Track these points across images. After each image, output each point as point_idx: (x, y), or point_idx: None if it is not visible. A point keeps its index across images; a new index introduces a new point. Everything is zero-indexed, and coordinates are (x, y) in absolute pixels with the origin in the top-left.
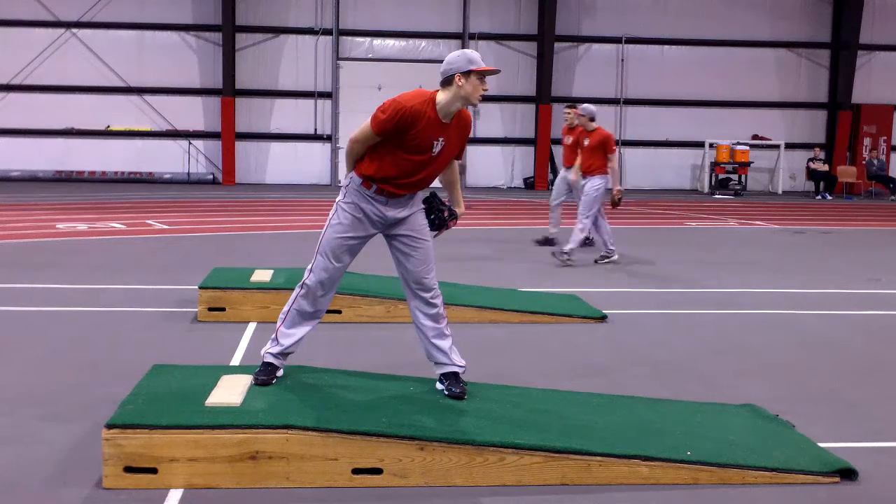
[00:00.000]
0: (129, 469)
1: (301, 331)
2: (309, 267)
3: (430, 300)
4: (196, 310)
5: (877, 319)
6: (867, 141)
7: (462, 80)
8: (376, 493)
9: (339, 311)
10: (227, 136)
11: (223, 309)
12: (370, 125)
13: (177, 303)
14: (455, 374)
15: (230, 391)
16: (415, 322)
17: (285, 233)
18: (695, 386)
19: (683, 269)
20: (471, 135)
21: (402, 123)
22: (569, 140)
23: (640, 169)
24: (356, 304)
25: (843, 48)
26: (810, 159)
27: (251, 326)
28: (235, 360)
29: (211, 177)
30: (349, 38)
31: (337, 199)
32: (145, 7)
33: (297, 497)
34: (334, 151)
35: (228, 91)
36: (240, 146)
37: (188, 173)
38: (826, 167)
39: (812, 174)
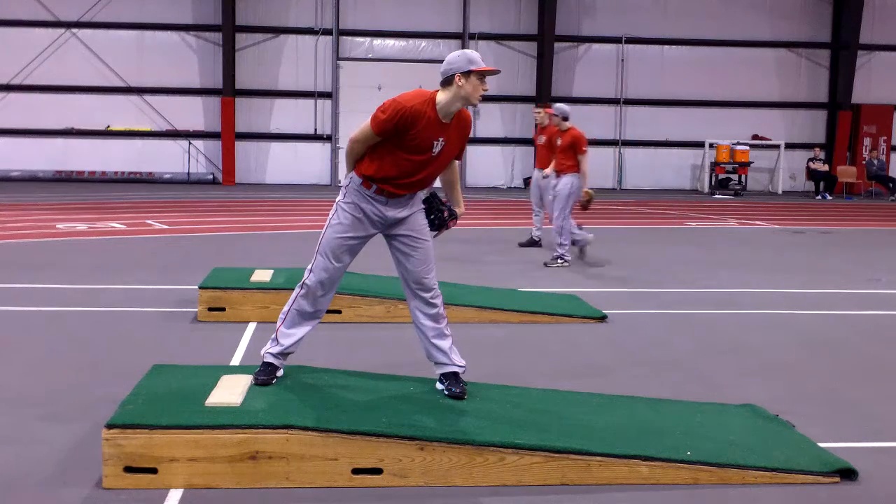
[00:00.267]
0: (129, 469)
1: (301, 331)
2: (309, 267)
3: (430, 300)
4: (196, 310)
5: (877, 319)
6: (867, 141)
7: (462, 80)
8: (376, 493)
9: (339, 311)
10: (227, 136)
11: (223, 309)
12: (370, 125)
13: (177, 303)
14: (455, 374)
15: (230, 391)
16: (415, 322)
17: (285, 233)
18: (695, 386)
19: (683, 269)
20: (471, 135)
21: (402, 123)
22: (542, 140)
23: (640, 169)
24: (356, 304)
25: (843, 48)
26: (810, 159)
27: (251, 326)
28: (235, 360)
29: (211, 177)
30: (349, 38)
31: (337, 199)
32: (145, 7)
33: (297, 497)
34: (334, 151)
35: (228, 91)
36: (240, 146)
37: (188, 173)
38: (826, 167)
39: (812, 174)
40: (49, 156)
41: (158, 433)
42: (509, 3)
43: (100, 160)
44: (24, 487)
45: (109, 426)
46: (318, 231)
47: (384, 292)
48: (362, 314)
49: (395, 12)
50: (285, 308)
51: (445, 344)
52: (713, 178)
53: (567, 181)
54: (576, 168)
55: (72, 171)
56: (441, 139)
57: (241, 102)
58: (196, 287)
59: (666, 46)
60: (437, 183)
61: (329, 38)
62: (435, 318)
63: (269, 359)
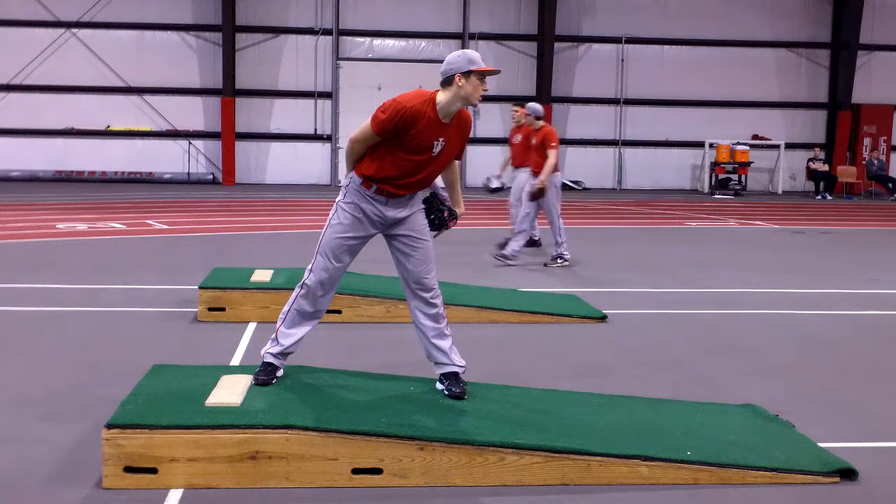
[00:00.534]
0: (129, 469)
1: (301, 331)
2: (309, 267)
3: (430, 300)
4: (196, 310)
5: (877, 319)
6: (867, 141)
7: (462, 81)
8: (376, 493)
9: (339, 311)
10: (227, 136)
11: (223, 309)
12: (370, 125)
13: (177, 303)
14: (455, 374)
15: (230, 391)
16: (415, 322)
17: (285, 233)
18: (695, 386)
19: (683, 269)
20: (471, 135)
21: (402, 123)
22: (518, 139)
23: (639, 169)
24: (356, 304)
25: (843, 48)
26: (810, 159)
27: (251, 326)
28: (235, 360)
29: (211, 177)
30: (349, 38)
31: (337, 199)
32: (145, 7)
33: (297, 497)
34: (334, 151)
35: (228, 91)
36: (240, 146)
37: (188, 173)
38: (826, 167)
39: (812, 174)
40: (49, 156)
41: (158, 433)
42: (509, 3)
43: (100, 160)
44: (24, 487)
45: (109, 426)
46: (318, 231)
47: (384, 292)
48: (362, 314)
49: (395, 12)
50: (285, 308)
51: (445, 344)
52: (713, 178)
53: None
54: (553, 168)
55: (72, 171)
56: (441, 139)
57: (241, 102)
58: (196, 287)
59: (666, 46)
60: (442, 182)
61: (329, 38)
62: (435, 318)
63: (269, 359)
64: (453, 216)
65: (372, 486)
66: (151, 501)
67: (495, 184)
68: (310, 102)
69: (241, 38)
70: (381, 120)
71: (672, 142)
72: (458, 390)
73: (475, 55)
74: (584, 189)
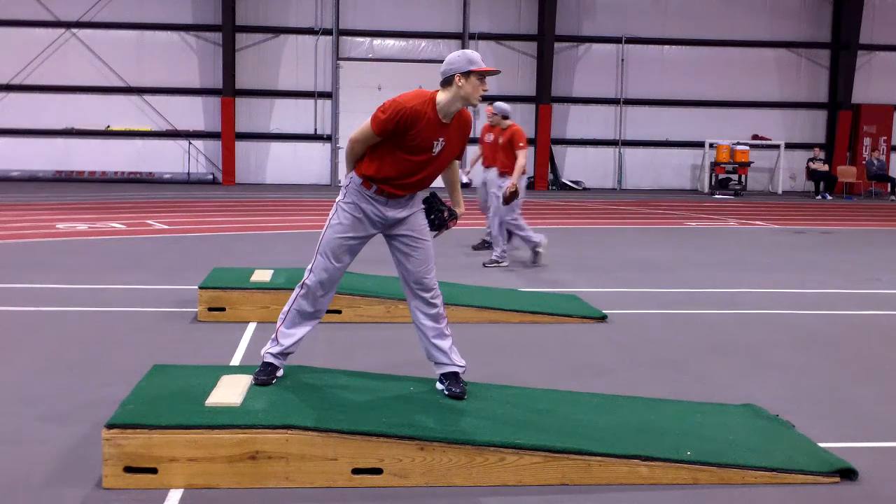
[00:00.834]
0: (129, 469)
1: (301, 331)
2: (309, 267)
3: (431, 300)
4: (196, 310)
5: (877, 319)
6: (867, 141)
7: (462, 81)
8: (376, 493)
9: (339, 311)
10: (227, 136)
11: (223, 309)
12: (370, 125)
13: (177, 303)
14: (455, 374)
15: (230, 391)
16: (415, 322)
17: (285, 233)
18: (695, 386)
19: (683, 269)
20: (471, 135)
21: (402, 123)
22: (490, 138)
23: (640, 169)
24: (356, 304)
25: (843, 48)
26: (810, 159)
27: (251, 326)
28: (235, 360)
29: (211, 177)
30: (349, 38)
31: (337, 199)
32: (145, 7)
33: (297, 497)
34: (334, 151)
35: (228, 91)
36: (240, 146)
37: (188, 173)
38: (826, 167)
39: (812, 174)
40: (49, 156)
41: (158, 433)
42: (509, 3)
43: (100, 160)
44: (24, 487)
45: (109, 426)
46: (318, 231)
47: (384, 292)
48: (362, 314)
49: (394, 12)
50: (285, 308)
51: (445, 344)
52: (713, 178)
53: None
54: (523, 169)
55: (72, 171)
56: (441, 139)
57: (241, 102)
58: (196, 287)
59: (666, 46)
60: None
61: (329, 38)
62: (435, 318)
63: (269, 359)
64: (453, 216)
65: (372, 486)
66: (151, 501)
67: (464, 179)
68: (310, 102)
69: (241, 38)
70: (381, 120)
71: (672, 142)
72: (458, 390)
73: (475, 55)
74: (584, 189)
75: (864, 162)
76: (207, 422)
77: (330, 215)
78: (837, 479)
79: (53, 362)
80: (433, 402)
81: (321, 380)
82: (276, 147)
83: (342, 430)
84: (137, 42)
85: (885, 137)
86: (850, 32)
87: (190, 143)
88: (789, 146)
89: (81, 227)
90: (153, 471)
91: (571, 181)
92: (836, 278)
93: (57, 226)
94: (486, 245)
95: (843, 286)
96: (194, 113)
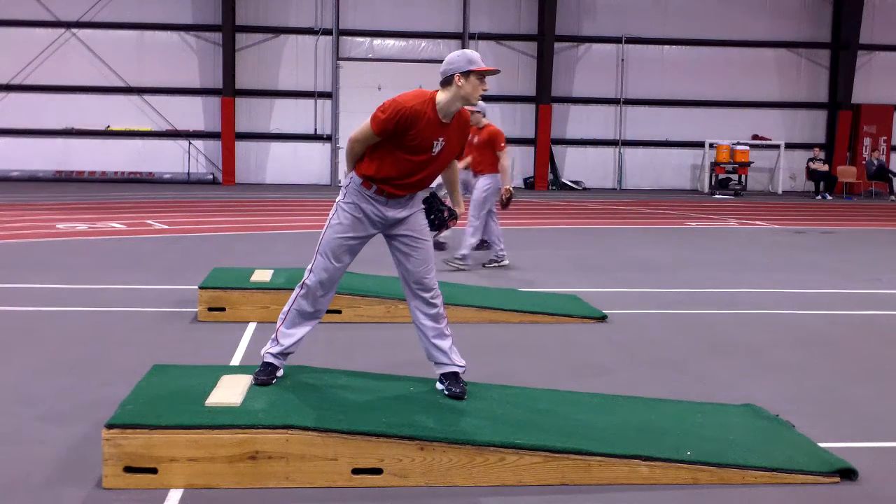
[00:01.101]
0: (129, 469)
1: (301, 331)
2: (309, 267)
3: (431, 300)
4: (196, 310)
5: (877, 319)
6: (867, 141)
7: (462, 81)
8: (376, 493)
9: (339, 311)
10: (227, 136)
11: (223, 309)
12: (370, 125)
13: (177, 303)
14: (455, 374)
15: (230, 391)
16: (415, 322)
17: (285, 233)
18: (695, 386)
19: (684, 269)
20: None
21: (401, 123)
22: (476, 140)
23: (640, 169)
24: (356, 304)
25: (843, 48)
26: (810, 159)
27: (251, 326)
28: (235, 360)
29: (211, 177)
30: (349, 38)
31: (337, 199)
32: (145, 7)
33: (297, 497)
34: (334, 151)
35: (228, 91)
36: (240, 146)
37: (188, 173)
38: (826, 167)
39: (812, 174)
40: (49, 156)
41: (158, 433)
42: (509, 3)
43: (100, 160)
44: (24, 487)
45: (109, 426)
46: (318, 231)
47: (384, 292)
48: (362, 314)
49: (394, 12)
50: (285, 308)
51: (445, 344)
52: (713, 178)
53: (483, 183)
54: (494, 167)
55: (72, 171)
56: (441, 139)
57: (241, 102)
58: (196, 287)
59: (666, 46)
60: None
61: (329, 38)
62: (435, 318)
63: (269, 359)
64: (453, 216)
65: (372, 486)
66: (151, 501)
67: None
68: (310, 102)
69: (241, 38)
70: (381, 120)
71: (672, 142)
72: (458, 390)
73: (475, 55)
74: (584, 189)
75: (863, 162)
76: (207, 422)
77: (330, 215)
78: (837, 479)
79: (53, 362)
80: (433, 402)
81: (321, 380)
82: (276, 147)
83: (342, 430)
84: (137, 42)
85: (885, 137)
86: (850, 32)
87: (190, 143)
88: (789, 146)
89: (81, 227)
90: (153, 471)
91: (571, 181)
92: (836, 278)
93: (57, 226)
94: (485, 245)
95: (843, 286)
96: (194, 113)
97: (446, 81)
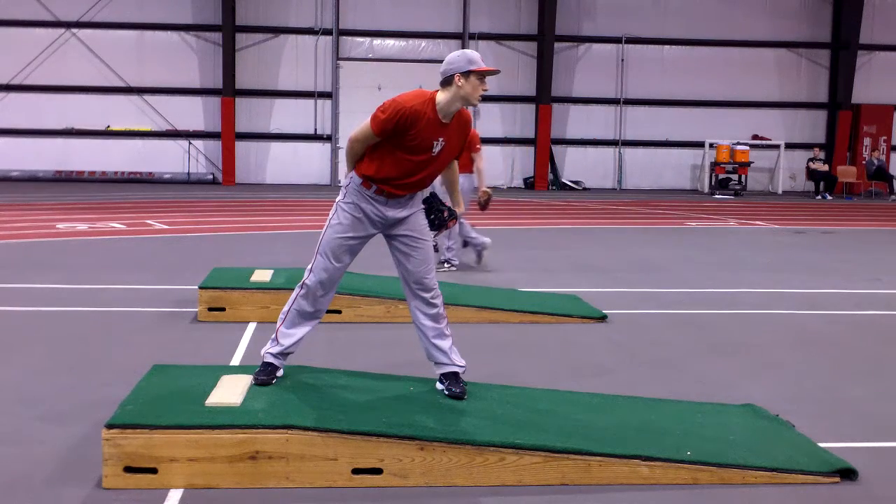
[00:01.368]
0: (129, 469)
1: (301, 331)
2: (309, 267)
3: (431, 300)
4: (196, 310)
5: (877, 319)
6: (867, 141)
7: (462, 81)
8: (376, 493)
9: (339, 311)
10: (227, 136)
11: (223, 309)
12: (370, 125)
13: (177, 303)
14: (455, 374)
15: (230, 391)
16: (415, 322)
17: (285, 233)
18: (695, 386)
19: (683, 269)
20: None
21: (401, 123)
22: None
23: (640, 169)
24: (356, 304)
25: (843, 48)
26: (810, 159)
27: (251, 326)
28: (235, 360)
29: (211, 177)
30: (349, 38)
31: (337, 199)
32: (145, 7)
33: (297, 497)
34: (334, 151)
35: (228, 91)
36: (240, 146)
37: (188, 173)
38: (826, 167)
39: (812, 174)
40: (49, 156)
41: (158, 433)
42: (509, 3)
43: (100, 160)
44: (24, 487)
45: (109, 426)
46: (318, 231)
47: (384, 292)
48: (362, 314)
49: (394, 12)
50: (285, 308)
51: (445, 344)
52: (713, 178)
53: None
54: (469, 168)
55: (72, 171)
56: (441, 139)
57: (241, 102)
58: (196, 287)
59: (666, 46)
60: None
61: (329, 38)
62: (435, 319)
63: (269, 359)
64: (453, 216)
65: (372, 486)
66: (151, 501)
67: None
68: (310, 102)
69: (241, 38)
70: (381, 120)
71: (672, 142)
72: (458, 390)
73: (475, 55)
74: (584, 189)
75: (863, 162)
76: (207, 422)
77: (330, 215)
78: (837, 479)
79: (53, 362)
80: (433, 402)
81: (321, 380)
82: (276, 147)
83: (342, 430)
84: (137, 42)
85: (885, 137)
86: (850, 32)
87: (190, 143)
88: (789, 146)
89: (81, 227)
90: (153, 471)
91: (571, 181)
92: (836, 278)
93: (57, 226)
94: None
95: (843, 286)
96: (194, 113)
97: (446, 81)
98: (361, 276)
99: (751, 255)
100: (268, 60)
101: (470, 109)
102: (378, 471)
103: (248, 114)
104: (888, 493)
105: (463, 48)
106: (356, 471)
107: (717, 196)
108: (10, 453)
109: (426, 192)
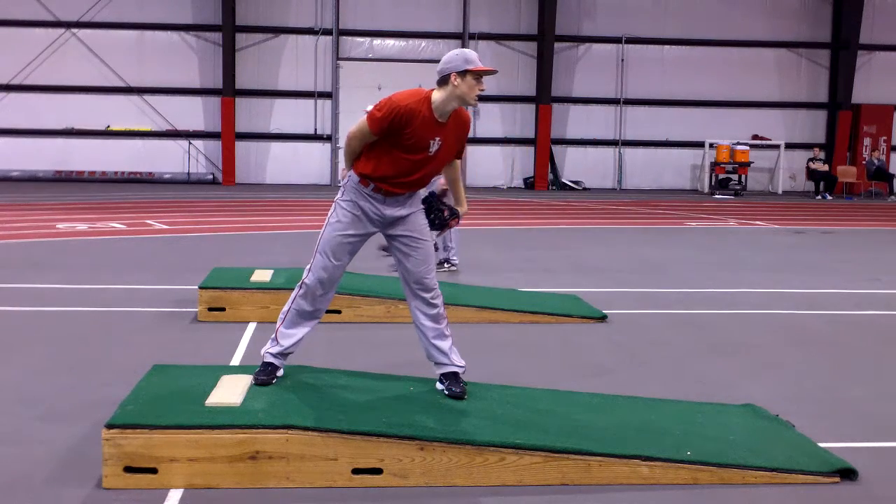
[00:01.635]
0: (129, 469)
1: (301, 331)
2: (308, 266)
3: (431, 300)
4: (196, 310)
5: (877, 319)
6: (867, 141)
7: (458, 80)
8: (376, 493)
9: (339, 311)
10: (227, 136)
11: (223, 309)
12: (367, 123)
13: (177, 303)
14: (455, 374)
15: (230, 391)
16: (415, 322)
17: (285, 233)
18: (695, 386)
19: (683, 269)
20: (470, 134)
21: (396, 122)
22: None
23: (640, 169)
24: (356, 304)
25: (843, 48)
26: (810, 159)
27: (251, 326)
28: (235, 360)
29: (211, 177)
30: (349, 38)
31: (336, 198)
32: (145, 7)
33: (297, 497)
34: (334, 151)
35: (228, 91)
36: (240, 146)
37: (188, 173)
38: (826, 167)
39: (812, 174)
40: (49, 156)
41: (158, 433)
42: (509, 3)
43: (100, 160)
44: (24, 487)
45: (109, 426)
46: (318, 231)
47: (384, 292)
48: (362, 314)
49: (394, 12)
50: (285, 308)
51: (445, 344)
52: (713, 178)
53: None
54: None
55: (72, 171)
56: (437, 138)
57: (241, 102)
58: (196, 287)
59: (666, 46)
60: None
61: (329, 38)
62: (435, 319)
63: (269, 359)
64: (454, 215)
65: (372, 486)
66: (151, 501)
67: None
68: (310, 102)
69: (241, 38)
70: (377, 118)
71: (672, 142)
72: (458, 390)
73: (472, 54)
74: (584, 189)
75: (863, 162)
76: (207, 422)
77: (329, 214)
78: (837, 479)
79: (53, 362)
80: (433, 402)
81: (321, 380)
82: (276, 147)
83: (342, 430)
84: (137, 42)
85: (885, 137)
86: (850, 32)
87: (190, 143)
88: (789, 146)
89: (81, 227)
90: (153, 471)
91: (571, 181)
92: (836, 278)
93: (57, 226)
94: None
95: (843, 286)
96: (194, 113)
97: (443, 80)
98: (361, 276)
99: (751, 255)
100: (268, 60)
101: (469, 110)
102: (378, 471)
103: (248, 114)
104: (888, 493)
105: (462, 48)
106: (356, 471)
107: (717, 196)
108: (10, 453)
109: (425, 192)
